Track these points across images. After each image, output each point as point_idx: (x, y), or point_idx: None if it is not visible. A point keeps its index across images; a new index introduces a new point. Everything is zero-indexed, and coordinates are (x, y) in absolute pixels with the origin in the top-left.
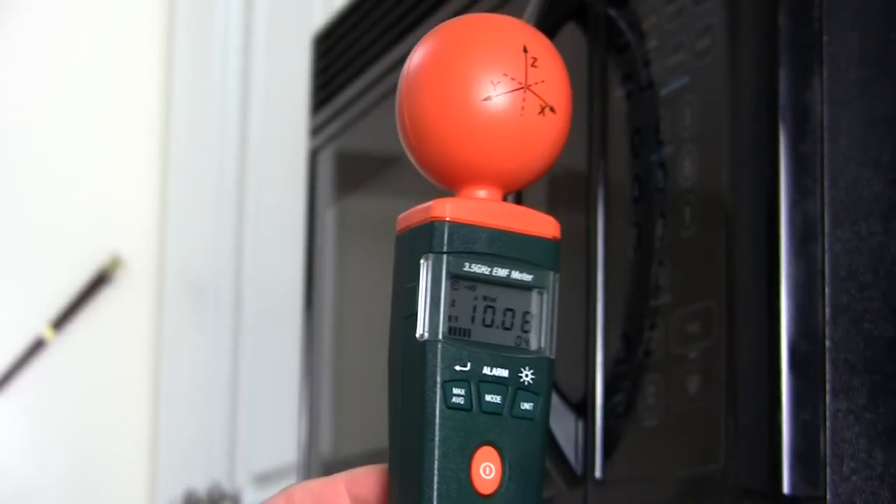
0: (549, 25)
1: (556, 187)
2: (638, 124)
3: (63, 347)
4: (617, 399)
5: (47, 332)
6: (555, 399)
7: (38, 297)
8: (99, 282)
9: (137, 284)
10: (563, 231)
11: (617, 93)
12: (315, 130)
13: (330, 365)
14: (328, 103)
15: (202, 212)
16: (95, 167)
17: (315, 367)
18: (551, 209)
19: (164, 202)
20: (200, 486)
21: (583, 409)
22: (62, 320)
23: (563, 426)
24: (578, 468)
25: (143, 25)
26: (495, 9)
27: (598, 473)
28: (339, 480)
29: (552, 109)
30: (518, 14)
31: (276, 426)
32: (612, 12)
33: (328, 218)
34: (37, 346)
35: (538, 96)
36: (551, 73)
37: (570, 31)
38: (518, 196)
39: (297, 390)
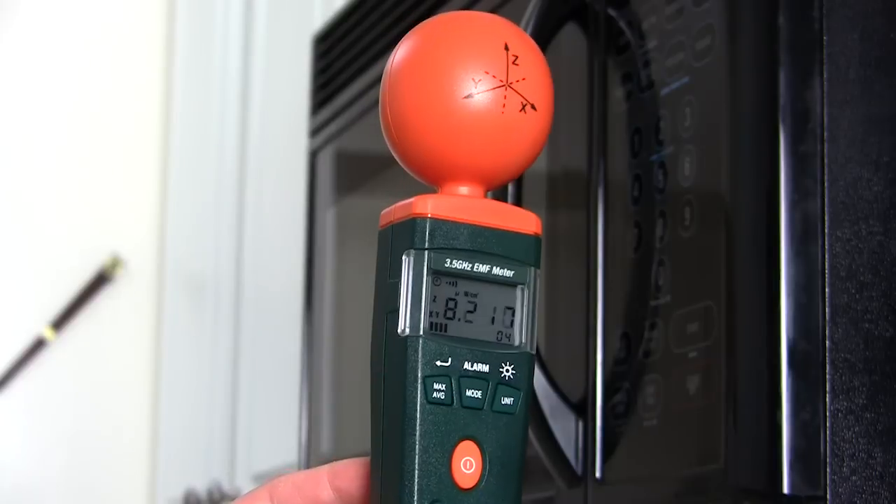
0: (549, 25)
1: (556, 187)
2: (638, 124)
3: (63, 347)
4: (617, 399)
5: (47, 332)
6: (555, 399)
7: (38, 297)
8: (99, 282)
9: (137, 284)
10: (563, 231)
11: (617, 93)
12: (315, 131)
13: (330, 365)
14: (328, 103)
15: (202, 212)
16: (95, 167)
17: (315, 367)
18: (551, 209)
19: (164, 202)
20: (200, 486)
21: (583, 409)
22: (62, 320)
23: (563, 426)
24: (578, 468)
25: (144, 25)
26: (495, 9)
27: (598, 473)
28: (322, 473)
29: (533, 107)
30: (520, 14)
31: (276, 426)
32: (612, 12)
33: (328, 218)
34: (37, 346)
35: (519, 94)
36: (532, 70)
37: (570, 31)
38: (517, 194)
39: (297, 390)
